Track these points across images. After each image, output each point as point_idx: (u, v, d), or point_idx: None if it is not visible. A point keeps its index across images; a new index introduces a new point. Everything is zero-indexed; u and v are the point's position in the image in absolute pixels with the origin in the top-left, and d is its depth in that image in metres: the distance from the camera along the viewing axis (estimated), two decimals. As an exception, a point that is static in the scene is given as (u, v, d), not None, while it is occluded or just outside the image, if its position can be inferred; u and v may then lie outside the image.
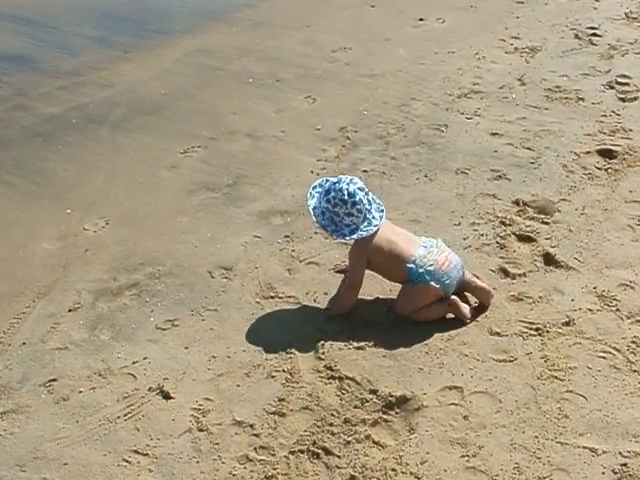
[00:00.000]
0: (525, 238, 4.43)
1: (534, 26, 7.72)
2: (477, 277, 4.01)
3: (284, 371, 3.58)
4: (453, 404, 3.37)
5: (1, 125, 6.20)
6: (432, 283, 3.81)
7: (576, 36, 7.34)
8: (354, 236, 3.87)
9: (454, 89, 6.39)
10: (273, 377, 3.56)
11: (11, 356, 3.79)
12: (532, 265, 4.20)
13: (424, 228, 4.52)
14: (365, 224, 3.89)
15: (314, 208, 3.94)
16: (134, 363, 3.70)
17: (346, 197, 3.82)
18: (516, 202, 4.76)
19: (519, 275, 4.13)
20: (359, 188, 3.87)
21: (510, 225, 4.53)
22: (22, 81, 6.98)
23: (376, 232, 3.91)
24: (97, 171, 5.46)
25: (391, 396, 3.39)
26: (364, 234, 3.87)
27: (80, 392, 3.54)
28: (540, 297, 3.96)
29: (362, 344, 3.70)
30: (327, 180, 3.97)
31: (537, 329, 3.74)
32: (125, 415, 3.41)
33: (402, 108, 6.11)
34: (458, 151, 5.41)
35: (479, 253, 4.32)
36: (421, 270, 3.82)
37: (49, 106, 6.49)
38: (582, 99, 6.07)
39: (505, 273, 4.15)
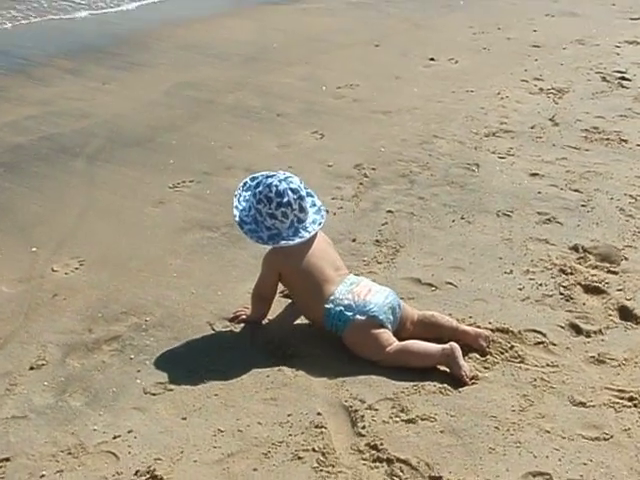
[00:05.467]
0: (593, 289, 3.69)
1: (556, 69, 7.12)
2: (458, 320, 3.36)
3: (314, 450, 2.72)
4: (543, 497, 2.55)
5: (-43, 154, 5.37)
6: (357, 317, 3.19)
7: (604, 79, 6.75)
8: (270, 243, 3.33)
9: (480, 128, 5.69)
10: (300, 458, 2.70)
11: (-47, 425, 2.90)
12: (608, 320, 3.47)
13: (469, 276, 3.79)
14: (290, 232, 3.31)
15: (245, 200, 3.37)
16: (115, 438, 2.83)
17: (272, 195, 3.24)
18: (574, 248, 4.04)
19: (594, 332, 3.40)
20: (292, 189, 3.26)
21: (572, 274, 3.79)
22: (-16, 109, 6.20)
23: (301, 245, 3.33)
24: (70, 206, 4.64)
25: (462, 486, 2.54)
26: (283, 243, 3.29)
27: (42, 477, 2.67)
28: (626, 359, 3.21)
29: (412, 416, 2.85)
30: (265, 174, 3.42)
31: (631, 398, 2.99)
32: (104, 511, 2.51)
33: (424, 146, 5.38)
34: (495, 192, 4.67)
35: (541, 306, 3.55)
36: (338, 308, 3.23)
37: (14, 135, 5.73)
38: (625, 140, 5.42)
39: (577, 330, 3.41)
